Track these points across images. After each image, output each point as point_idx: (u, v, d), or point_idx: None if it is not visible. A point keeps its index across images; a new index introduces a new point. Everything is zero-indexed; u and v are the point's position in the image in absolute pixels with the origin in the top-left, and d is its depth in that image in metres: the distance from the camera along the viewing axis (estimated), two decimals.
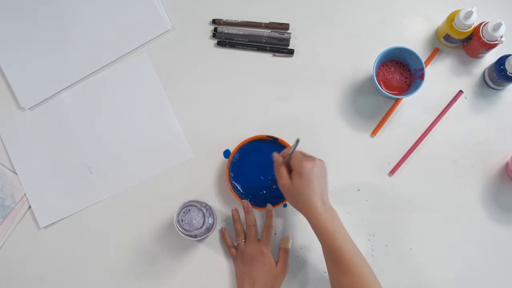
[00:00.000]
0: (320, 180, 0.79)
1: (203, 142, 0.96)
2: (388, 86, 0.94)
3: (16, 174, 0.96)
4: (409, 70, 0.94)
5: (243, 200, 0.90)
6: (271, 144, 0.93)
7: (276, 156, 0.82)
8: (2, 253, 0.95)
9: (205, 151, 0.96)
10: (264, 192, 0.93)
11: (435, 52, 0.96)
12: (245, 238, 0.90)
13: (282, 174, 0.80)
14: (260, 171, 0.93)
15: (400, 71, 0.94)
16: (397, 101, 0.96)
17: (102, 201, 0.96)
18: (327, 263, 0.79)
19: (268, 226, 0.89)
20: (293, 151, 0.79)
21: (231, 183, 0.92)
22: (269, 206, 0.90)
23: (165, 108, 0.97)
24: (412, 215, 0.93)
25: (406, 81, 0.94)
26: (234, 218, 0.92)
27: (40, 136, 0.97)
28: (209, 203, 0.92)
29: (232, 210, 0.92)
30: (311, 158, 0.79)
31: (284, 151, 0.83)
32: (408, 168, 0.94)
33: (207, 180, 0.95)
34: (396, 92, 0.94)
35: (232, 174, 0.93)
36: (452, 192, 0.94)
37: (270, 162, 0.84)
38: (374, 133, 0.95)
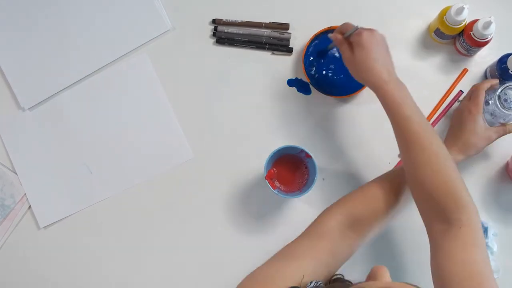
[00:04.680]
0: (381, 49, 0.77)
1: (203, 142, 0.96)
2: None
3: (16, 174, 0.97)
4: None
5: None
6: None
7: (333, 35, 0.81)
8: (2, 253, 0.95)
9: (205, 151, 0.96)
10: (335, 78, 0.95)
11: (463, 72, 0.96)
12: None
13: (344, 49, 0.79)
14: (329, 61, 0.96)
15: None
16: None
17: (102, 201, 0.96)
18: (396, 139, 0.76)
19: None
20: (351, 33, 0.79)
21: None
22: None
23: (165, 108, 0.97)
24: (412, 215, 0.93)
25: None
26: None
27: (40, 136, 0.97)
28: (209, 203, 0.91)
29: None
30: (369, 29, 0.78)
31: (340, 29, 0.82)
32: None
33: (207, 180, 0.95)
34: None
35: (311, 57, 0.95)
36: None
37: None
38: None
